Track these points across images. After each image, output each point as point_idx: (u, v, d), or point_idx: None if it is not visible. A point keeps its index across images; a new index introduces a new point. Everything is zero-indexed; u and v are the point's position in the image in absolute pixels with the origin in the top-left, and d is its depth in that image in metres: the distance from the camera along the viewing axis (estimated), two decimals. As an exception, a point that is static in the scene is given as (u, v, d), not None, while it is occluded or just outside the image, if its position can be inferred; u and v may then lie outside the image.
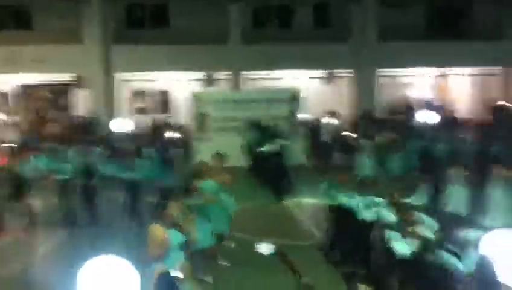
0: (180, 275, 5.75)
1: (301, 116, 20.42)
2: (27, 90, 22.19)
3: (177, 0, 23.17)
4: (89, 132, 19.91)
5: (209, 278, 8.71)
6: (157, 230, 6.10)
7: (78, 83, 22.35)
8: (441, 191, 13.02)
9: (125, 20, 23.55)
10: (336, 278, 9.11)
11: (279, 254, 8.37)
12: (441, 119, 18.67)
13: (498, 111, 22.24)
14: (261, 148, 15.80)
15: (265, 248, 8.17)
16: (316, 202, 14.45)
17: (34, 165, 12.83)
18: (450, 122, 19.75)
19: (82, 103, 22.53)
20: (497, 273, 4.83)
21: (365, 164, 14.53)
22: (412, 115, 20.81)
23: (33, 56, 21.04)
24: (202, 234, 8.61)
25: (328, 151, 19.68)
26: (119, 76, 23.03)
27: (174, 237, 6.59)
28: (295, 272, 8.42)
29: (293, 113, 19.69)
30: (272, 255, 8.37)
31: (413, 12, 23.99)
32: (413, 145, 15.53)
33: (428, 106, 21.95)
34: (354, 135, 18.30)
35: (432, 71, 25.17)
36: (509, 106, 23.28)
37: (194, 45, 22.00)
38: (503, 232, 5.30)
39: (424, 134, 16.70)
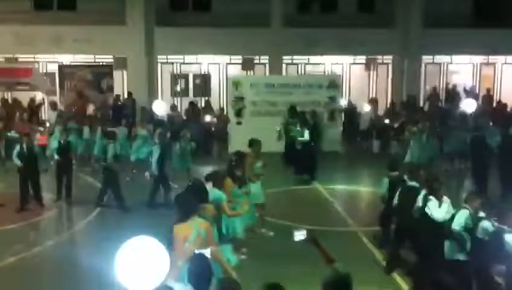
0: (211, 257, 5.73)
1: (341, 102, 20.18)
2: (69, 70, 22.54)
3: (219, -17, 23.11)
4: (127, 114, 20.21)
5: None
6: (204, 224, 6.22)
7: (120, 64, 22.60)
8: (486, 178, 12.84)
9: (168, 2, 23.60)
10: (369, 264, 9.02)
11: (312, 240, 8.35)
12: (482, 108, 18.23)
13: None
14: (294, 134, 15.63)
15: (298, 234, 8.16)
16: (349, 189, 14.39)
17: (64, 144, 13.10)
18: (491, 111, 19.32)
19: (123, 85, 22.80)
20: None
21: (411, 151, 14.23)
22: (456, 104, 20.38)
23: (76, 37, 21.38)
24: (239, 225, 8.60)
25: (366, 138, 19.49)
26: (160, 58, 23.19)
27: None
28: (328, 258, 8.41)
29: (332, 100, 19.44)
30: (304, 241, 8.38)
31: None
32: (454, 133, 15.21)
33: (471, 94, 21.38)
34: (393, 124, 18.05)
35: (478, 59, 24.47)
36: None
37: (235, 28, 21.91)
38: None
39: (467, 122, 16.37)
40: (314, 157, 15.04)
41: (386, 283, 8.21)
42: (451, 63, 24.42)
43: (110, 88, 22.52)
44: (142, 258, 4.78)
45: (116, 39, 21.83)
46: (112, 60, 22.77)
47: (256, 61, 23.34)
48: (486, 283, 6.75)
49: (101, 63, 23.03)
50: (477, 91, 23.29)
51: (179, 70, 23.81)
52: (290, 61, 23.59)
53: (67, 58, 22.72)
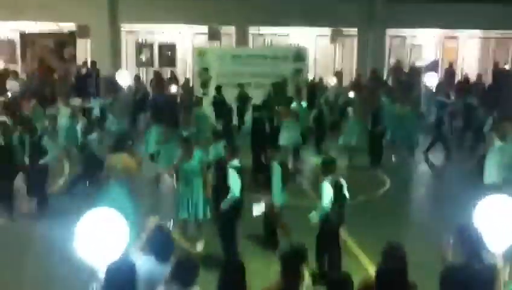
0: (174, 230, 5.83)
1: (307, 75, 20.21)
2: (31, 38, 21.98)
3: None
4: (91, 83, 19.89)
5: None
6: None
7: (83, 33, 22.13)
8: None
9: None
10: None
11: (271, 214, 8.57)
12: (444, 82, 18.66)
13: (499, 75, 22.25)
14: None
15: (256, 209, 8.36)
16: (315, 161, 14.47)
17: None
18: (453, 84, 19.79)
19: (86, 54, 22.38)
20: (480, 239, 4.86)
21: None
22: (418, 77, 20.71)
23: (38, 3, 20.79)
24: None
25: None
26: (124, 27, 22.81)
27: None
28: (285, 231, 8.64)
29: (298, 72, 19.48)
30: (263, 215, 8.58)
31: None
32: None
33: (433, 67, 21.73)
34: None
35: (441, 33, 24.82)
36: (507, 70, 23.27)
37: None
38: (495, 200, 5.35)
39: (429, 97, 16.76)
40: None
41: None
42: (415, 36, 24.73)
43: (73, 57, 22.09)
44: (101, 230, 4.88)
45: (79, 6, 21.31)
46: (75, 28, 22.26)
47: (222, 32, 23.17)
48: None
49: (64, 31, 22.48)
50: (439, 65, 23.68)
51: (143, 40, 23.47)
52: (256, 32, 23.50)
53: (29, 26, 22.07)
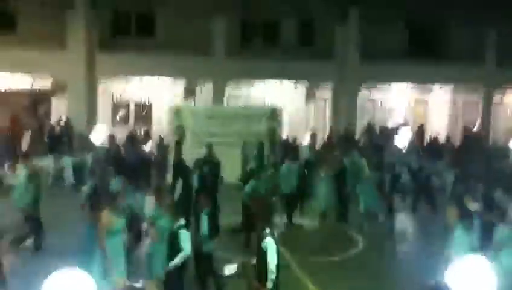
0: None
1: (281, 134, 20.41)
2: (5, 95, 21.84)
3: (163, 10, 23.22)
4: (65, 141, 19.75)
5: None
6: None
7: (60, 89, 22.15)
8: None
9: (110, 27, 23.42)
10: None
11: (242, 274, 8.49)
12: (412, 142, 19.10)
13: (467, 137, 22.89)
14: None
15: (228, 269, 8.29)
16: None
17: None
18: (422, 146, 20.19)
19: (62, 111, 22.31)
20: None
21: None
22: (390, 139, 21.08)
23: (16, 60, 20.75)
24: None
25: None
26: (102, 84, 22.94)
27: None
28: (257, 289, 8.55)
29: (272, 131, 19.62)
30: (235, 274, 8.49)
31: (394, 34, 24.22)
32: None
33: (403, 128, 22.22)
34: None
35: (412, 94, 25.54)
36: (476, 132, 23.96)
37: (178, 55, 21.98)
38: (468, 260, 5.40)
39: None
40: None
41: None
42: (387, 97, 25.38)
43: (48, 114, 22.02)
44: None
45: (56, 63, 21.40)
46: (50, 86, 22.24)
47: (198, 90, 23.51)
48: None
49: (38, 89, 22.39)
50: (409, 126, 24.24)
51: (120, 98, 23.57)
52: (232, 90, 23.82)
53: (5, 83, 21.94)
